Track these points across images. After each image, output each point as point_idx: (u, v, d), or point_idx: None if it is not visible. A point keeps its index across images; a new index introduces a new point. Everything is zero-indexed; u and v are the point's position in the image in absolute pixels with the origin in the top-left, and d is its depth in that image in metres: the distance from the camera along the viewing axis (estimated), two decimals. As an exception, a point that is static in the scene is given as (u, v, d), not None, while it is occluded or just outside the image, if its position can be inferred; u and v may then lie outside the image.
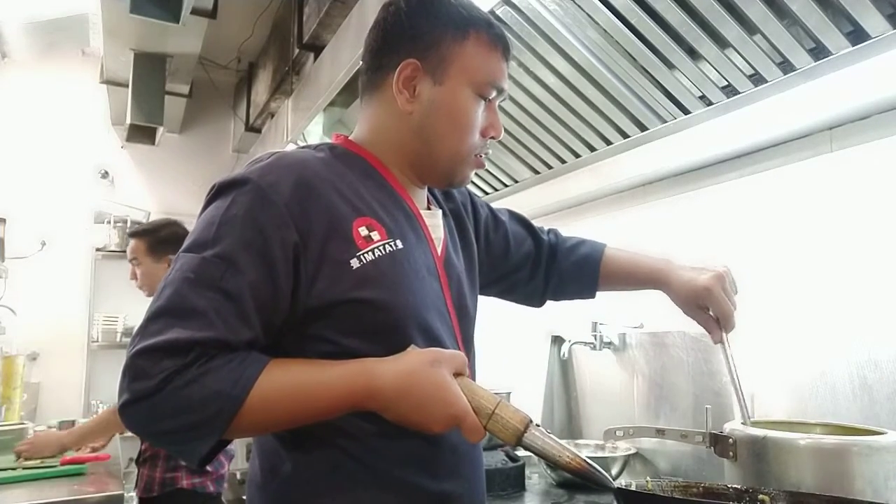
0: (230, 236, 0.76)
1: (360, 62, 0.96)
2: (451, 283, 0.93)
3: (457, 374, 0.78)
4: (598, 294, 1.24)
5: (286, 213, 0.78)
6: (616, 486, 0.79)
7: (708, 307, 1.07)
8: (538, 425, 0.77)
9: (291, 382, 0.76)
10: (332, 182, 0.83)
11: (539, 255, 1.21)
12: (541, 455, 0.76)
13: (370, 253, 0.81)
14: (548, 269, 1.21)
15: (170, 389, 0.70)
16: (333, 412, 0.77)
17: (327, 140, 1.42)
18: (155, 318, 0.74)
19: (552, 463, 0.76)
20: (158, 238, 2.27)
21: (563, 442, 0.77)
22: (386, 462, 0.82)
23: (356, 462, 0.82)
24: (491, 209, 1.19)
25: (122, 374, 0.73)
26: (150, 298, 2.18)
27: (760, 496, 0.83)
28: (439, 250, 0.94)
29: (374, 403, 0.76)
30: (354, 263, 0.80)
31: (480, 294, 1.08)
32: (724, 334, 1.07)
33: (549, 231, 1.25)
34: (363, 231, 0.82)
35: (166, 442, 0.77)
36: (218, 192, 0.82)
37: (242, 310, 0.75)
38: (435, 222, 0.96)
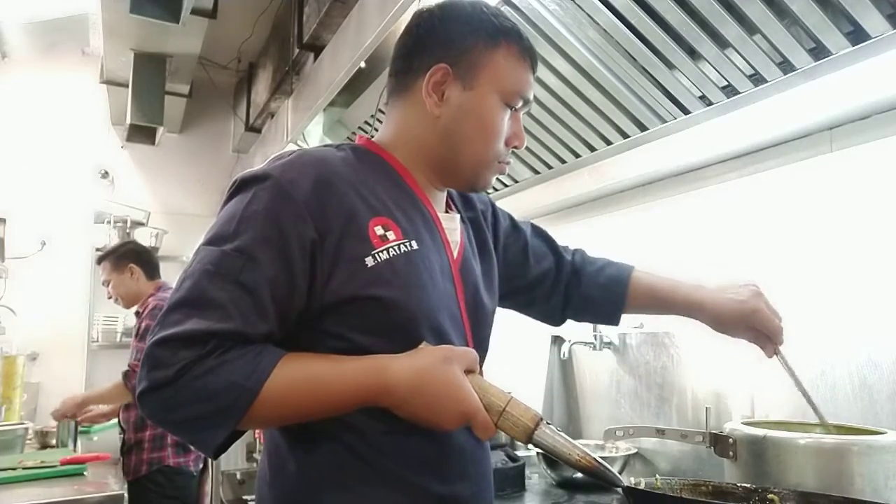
0: (250, 231, 0.78)
1: (388, 68, 0.97)
2: (466, 288, 0.93)
3: (468, 371, 0.79)
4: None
5: (305, 209, 0.79)
6: (626, 484, 0.79)
7: (757, 320, 1.06)
8: (549, 423, 0.77)
9: (306, 376, 0.77)
10: (351, 181, 0.85)
11: (560, 273, 1.19)
12: (551, 453, 0.77)
13: (385, 252, 0.82)
14: (569, 288, 1.19)
15: (186, 379, 0.72)
16: (346, 406, 0.78)
17: (327, 140, 1.41)
18: (174, 309, 0.75)
19: (563, 461, 0.76)
20: (118, 255, 2.70)
21: (572, 440, 0.77)
22: (393, 462, 0.82)
23: (363, 461, 0.82)
24: (513, 220, 1.18)
25: (141, 363, 0.75)
26: (131, 309, 2.24)
27: (770, 495, 0.83)
28: (455, 254, 0.94)
29: (387, 399, 0.77)
30: (369, 261, 0.81)
31: (498, 307, 1.07)
32: (778, 347, 1.07)
33: (575, 251, 1.23)
34: (379, 230, 0.83)
35: (183, 430, 0.79)
36: (240, 187, 0.83)
37: (260, 303, 0.76)
38: (452, 226, 0.96)
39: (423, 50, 0.92)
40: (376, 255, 0.81)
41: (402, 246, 0.84)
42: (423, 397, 0.76)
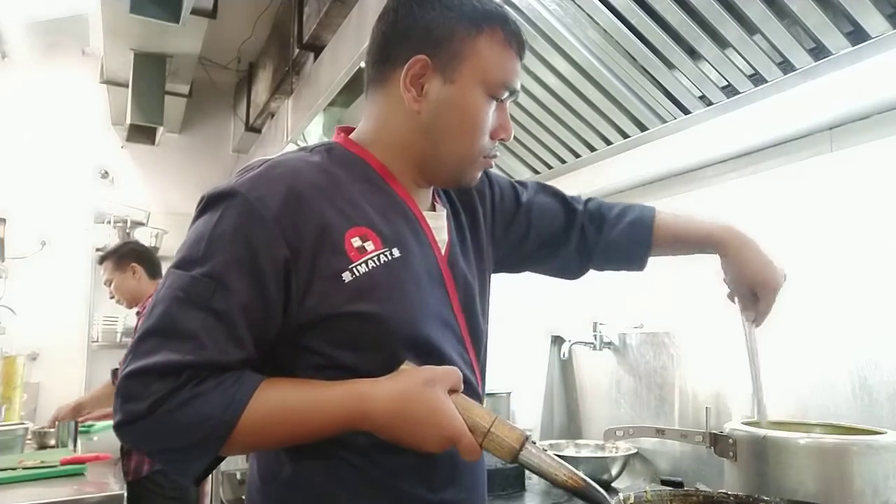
0: (219, 254, 0.75)
1: (365, 56, 0.93)
2: (458, 285, 0.91)
3: (452, 391, 0.77)
4: (600, 294, 1.21)
5: (276, 227, 0.75)
6: (614, 503, 0.77)
7: (760, 292, 1.05)
8: (534, 442, 0.76)
9: (284, 404, 0.75)
10: (325, 191, 0.81)
11: (571, 227, 1.11)
12: (538, 473, 0.76)
13: (363, 265, 0.79)
14: (586, 239, 1.12)
15: (161, 413, 0.71)
16: (327, 433, 0.76)
17: (327, 140, 1.39)
18: (145, 338, 0.74)
19: (549, 481, 0.75)
20: (120, 254, 2.72)
21: (559, 459, 0.76)
22: (383, 472, 0.81)
23: (355, 470, 0.81)
24: (514, 186, 1.11)
25: (115, 394, 0.73)
26: (132, 309, 2.23)
27: None
28: (443, 252, 0.91)
29: (369, 425, 0.75)
30: (346, 277, 0.77)
31: (511, 272, 1.09)
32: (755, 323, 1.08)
33: (589, 200, 1.15)
34: (356, 242, 0.79)
35: (161, 460, 0.78)
36: (207, 205, 0.80)
37: (233, 330, 0.74)
38: (439, 224, 0.92)
39: (400, 38, 0.86)
40: (354, 268, 0.78)
41: (381, 256, 0.80)
42: (406, 422, 0.74)
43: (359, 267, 0.78)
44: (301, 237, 0.77)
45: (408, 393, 0.74)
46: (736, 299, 1.10)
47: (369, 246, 0.80)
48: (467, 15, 0.85)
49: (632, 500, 0.83)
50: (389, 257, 0.81)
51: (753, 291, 1.06)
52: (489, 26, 0.86)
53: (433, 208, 0.96)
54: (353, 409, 0.75)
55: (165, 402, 0.70)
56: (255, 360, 0.77)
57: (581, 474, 0.75)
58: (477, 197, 1.03)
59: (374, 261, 0.79)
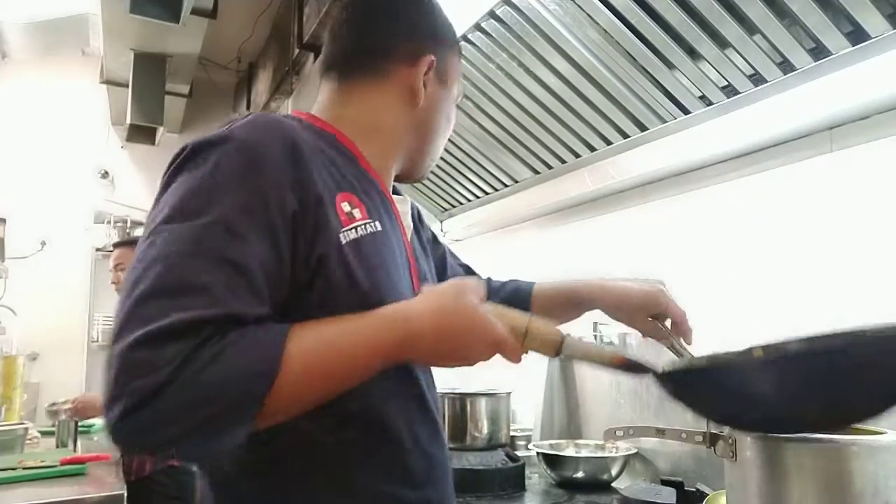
0: (225, 200, 0.66)
1: (341, 32, 0.91)
2: (420, 273, 0.90)
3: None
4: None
5: (282, 176, 0.69)
6: (661, 370, 0.83)
7: (661, 314, 1.04)
8: (569, 334, 0.78)
9: (323, 340, 0.67)
10: (313, 149, 0.75)
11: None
12: (584, 360, 0.79)
13: (353, 231, 0.74)
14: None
15: (186, 376, 0.58)
16: (369, 370, 0.69)
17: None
18: (145, 301, 0.61)
19: (597, 364, 0.79)
20: None
21: (598, 344, 0.78)
22: (363, 474, 0.76)
23: (331, 475, 0.75)
24: (433, 233, 1.14)
25: (113, 378, 0.58)
26: None
27: (756, 353, 0.84)
28: (409, 237, 0.91)
29: (412, 351, 0.71)
30: (342, 239, 0.73)
31: None
32: (679, 339, 1.05)
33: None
34: (346, 207, 0.75)
35: (190, 445, 0.62)
36: (193, 154, 0.71)
37: (253, 283, 0.65)
38: (405, 209, 0.92)
39: (411, 35, 0.90)
40: (345, 233, 0.73)
41: (368, 226, 0.77)
42: (451, 337, 0.70)
43: (349, 232, 0.74)
44: (305, 190, 0.70)
45: (445, 307, 0.71)
46: (642, 335, 1.09)
47: (357, 213, 0.76)
48: (451, 29, 0.96)
49: (669, 369, 0.86)
50: (374, 228, 0.78)
51: (657, 309, 1.03)
52: (456, 41, 0.98)
53: (396, 193, 0.95)
54: (397, 335, 0.69)
55: (190, 364, 0.58)
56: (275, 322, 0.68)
57: (621, 351, 0.80)
58: (417, 218, 1.03)
59: (362, 229, 0.76)
